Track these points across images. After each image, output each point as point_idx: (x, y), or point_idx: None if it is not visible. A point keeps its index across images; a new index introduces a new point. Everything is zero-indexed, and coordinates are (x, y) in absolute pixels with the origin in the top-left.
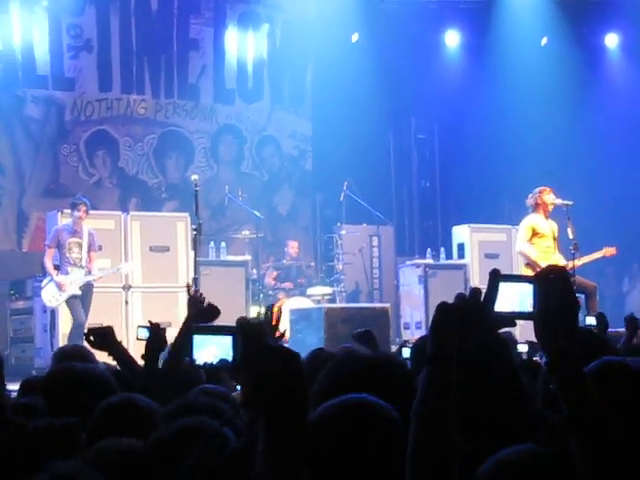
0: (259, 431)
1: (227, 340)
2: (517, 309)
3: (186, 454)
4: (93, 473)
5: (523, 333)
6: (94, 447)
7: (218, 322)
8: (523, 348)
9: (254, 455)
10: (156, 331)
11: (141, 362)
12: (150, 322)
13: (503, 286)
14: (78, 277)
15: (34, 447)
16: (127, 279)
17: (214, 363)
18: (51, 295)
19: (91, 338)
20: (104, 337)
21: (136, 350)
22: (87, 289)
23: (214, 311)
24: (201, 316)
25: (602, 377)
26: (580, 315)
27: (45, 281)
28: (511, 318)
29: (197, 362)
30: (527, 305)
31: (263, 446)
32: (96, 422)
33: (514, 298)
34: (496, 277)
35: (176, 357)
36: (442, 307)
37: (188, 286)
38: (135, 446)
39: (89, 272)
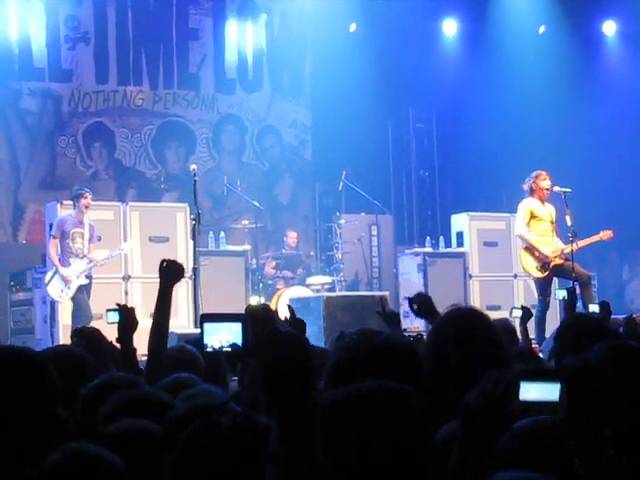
0: (272, 413)
1: (237, 327)
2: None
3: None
4: (106, 452)
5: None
6: (110, 427)
7: (224, 308)
8: (517, 312)
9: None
10: (126, 312)
11: (117, 345)
12: (118, 304)
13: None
14: (81, 267)
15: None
16: (127, 269)
17: (224, 348)
18: (59, 290)
19: (122, 317)
20: (130, 327)
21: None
22: (88, 281)
23: (177, 267)
24: (167, 275)
25: (609, 360)
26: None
27: (49, 274)
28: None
29: (208, 348)
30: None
31: (276, 428)
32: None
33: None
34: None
35: (158, 328)
36: None
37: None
38: (151, 427)
39: (90, 261)
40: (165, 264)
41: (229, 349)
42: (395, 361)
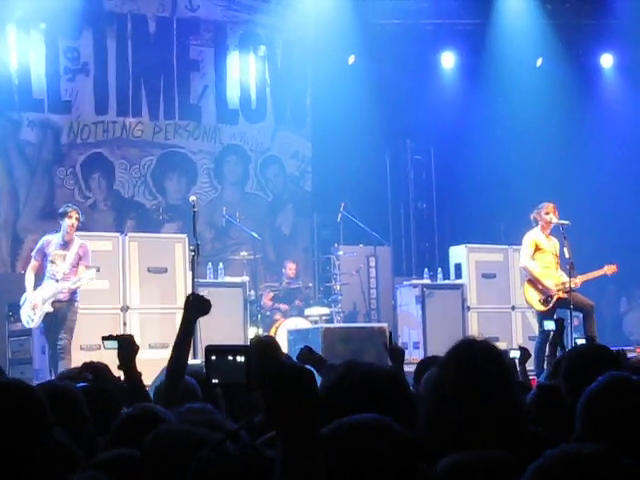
0: (276, 446)
1: (241, 359)
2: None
3: (186, 461)
4: None
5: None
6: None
7: (223, 340)
8: (515, 353)
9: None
10: (124, 339)
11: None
12: (111, 335)
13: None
14: (49, 292)
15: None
16: (125, 300)
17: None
18: (27, 315)
19: (121, 343)
20: (131, 352)
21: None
22: (66, 307)
23: (205, 303)
24: (194, 307)
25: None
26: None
27: (22, 298)
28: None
29: (213, 379)
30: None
31: (279, 461)
32: (117, 432)
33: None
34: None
35: (179, 357)
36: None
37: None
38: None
39: (59, 283)
40: (192, 297)
41: (235, 380)
42: (378, 391)
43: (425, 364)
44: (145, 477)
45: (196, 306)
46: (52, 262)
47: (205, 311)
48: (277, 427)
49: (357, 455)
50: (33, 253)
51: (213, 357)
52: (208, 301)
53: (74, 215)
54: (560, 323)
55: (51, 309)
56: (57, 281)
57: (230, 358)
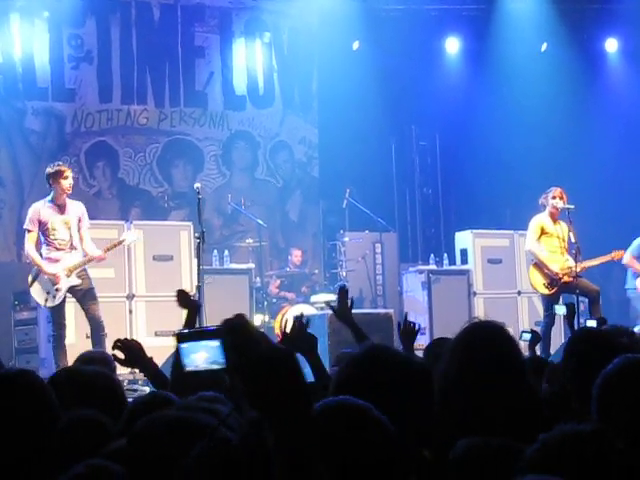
0: (266, 429)
1: (215, 344)
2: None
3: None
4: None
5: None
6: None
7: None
8: (527, 336)
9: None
10: (126, 349)
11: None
12: (118, 344)
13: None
14: (73, 262)
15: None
16: (130, 288)
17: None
18: (45, 292)
19: (118, 355)
20: (131, 352)
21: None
22: (86, 276)
23: (189, 302)
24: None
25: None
26: (582, 319)
27: (30, 278)
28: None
29: (187, 369)
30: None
31: (272, 443)
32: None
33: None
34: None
35: None
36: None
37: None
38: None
39: (85, 255)
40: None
41: (213, 366)
42: (408, 381)
43: (435, 346)
44: (132, 462)
45: (188, 306)
46: (53, 231)
47: (194, 306)
48: (261, 411)
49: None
50: (26, 225)
51: (185, 345)
52: (193, 301)
53: (70, 174)
54: (571, 307)
55: (79, 281)
56: (72, 249)
57: (204, 343)
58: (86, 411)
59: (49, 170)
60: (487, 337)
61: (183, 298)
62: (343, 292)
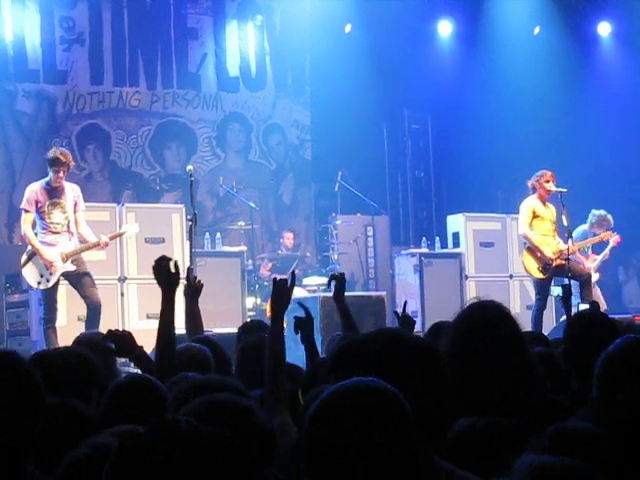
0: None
1: None
2: None
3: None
4: None
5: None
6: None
7: (221, 310)
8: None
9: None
10: (117, 340)
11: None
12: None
13: None
14: (70, 247)
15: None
16: (122, 271)
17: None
18: (37, 274)
19: (109, 344)
20: (123, 343)
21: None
22: (81, 261)
23: (171, 276)
24: (167, 284)
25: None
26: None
27: (24, 257)
28: None
29: None
30: None
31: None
32: (109, 402)
33: None
34: None
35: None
36: None
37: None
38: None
39: (81, 241)
40: (159, 273)
41: None
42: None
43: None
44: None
45: (168, 281)
46: (49, 214)
47: (176, 281)
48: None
49: (349, 431)
50: (23, 204)
51: None
52: (174, 275)
53: (71, 161)
54: (567, 289)
55: (73, 267)
56: (68, 233)
57: None
58: (55, 398)
59: (52, 155)
60: (488, 317)
61: (162, 272)
62: (340, 278)
